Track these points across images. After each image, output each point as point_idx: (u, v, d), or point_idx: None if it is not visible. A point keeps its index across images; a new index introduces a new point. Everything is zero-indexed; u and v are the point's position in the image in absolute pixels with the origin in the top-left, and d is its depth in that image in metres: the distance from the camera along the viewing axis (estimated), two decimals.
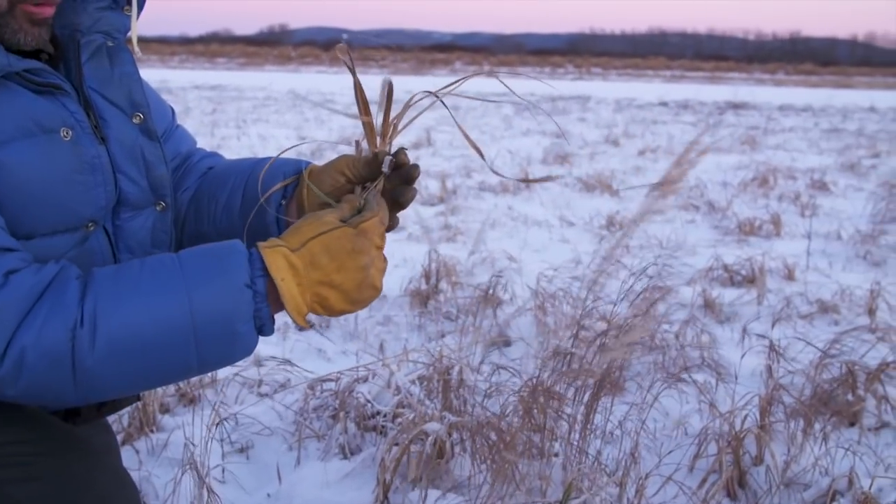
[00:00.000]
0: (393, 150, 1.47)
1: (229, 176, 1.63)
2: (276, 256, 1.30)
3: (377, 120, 1.45)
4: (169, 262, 1.30)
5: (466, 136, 1.47)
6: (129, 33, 1.51)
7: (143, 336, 1.23)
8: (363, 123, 1.45)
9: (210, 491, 2.35)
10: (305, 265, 1.31)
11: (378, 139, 1.45)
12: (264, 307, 1.30)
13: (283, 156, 1.58)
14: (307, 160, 1.61)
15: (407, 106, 1.44)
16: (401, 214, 1.49)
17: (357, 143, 1.48)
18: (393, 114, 1.45)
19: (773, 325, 4.18)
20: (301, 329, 1.29)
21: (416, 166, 1.45)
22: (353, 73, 1.42)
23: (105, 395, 1.30)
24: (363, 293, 1.37)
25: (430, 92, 1.45)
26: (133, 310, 1.23)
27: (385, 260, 1.42)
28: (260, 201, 1.54)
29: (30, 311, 1.21)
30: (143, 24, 1.54)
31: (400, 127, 1.45)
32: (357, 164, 1.47)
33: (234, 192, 1.61)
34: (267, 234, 1.54)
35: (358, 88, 1.44)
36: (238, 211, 1.60)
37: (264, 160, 1.61)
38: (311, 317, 4.19)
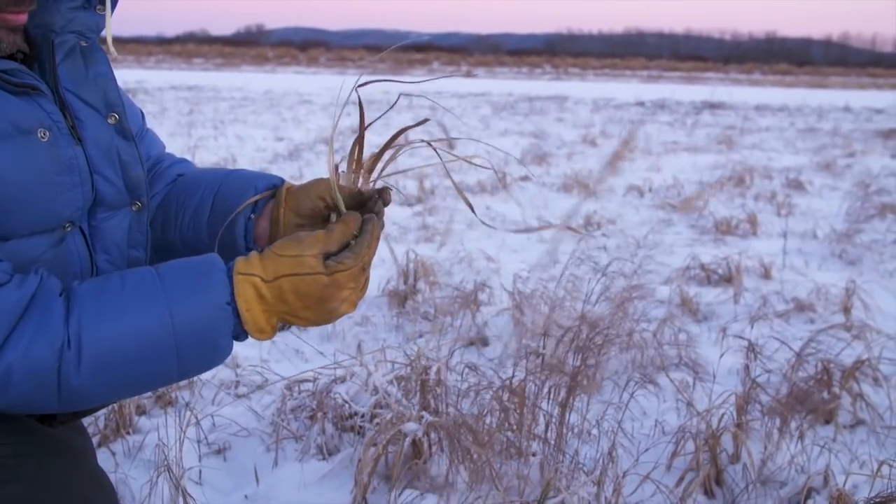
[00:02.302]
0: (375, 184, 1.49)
1: (199, 185, 1.63)
2: (247, 287, 1.32)
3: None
4: (150, 278, 1.31)
5: (459, 191, 1.48)
6: (102, 33, 1.50)
7: (128, 354, 1.26)
8: (351, 156, 1.47)
9: (185, 493, 2.34)
10: (274, 298, 1.34)
11: (358, 171, 1.47)
12: (241, 322, 1.34)
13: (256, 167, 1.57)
14: (280, 176, 1.61)
15: (388, 147, 1.47)
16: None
17: (336, 167, 1.48)
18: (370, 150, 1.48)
19: (752, 326, 4.20)
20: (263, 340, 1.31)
21: (387, 197, 1.48)
22: (362, 118, 1.46)
23: (88, 405, 1.33)
24: (331, 321, 1.40)
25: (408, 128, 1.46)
26: (117, 329, 1.26)
27: (363, 289, 1.43)
28: (231, 215, 1.54)
29: (15, 328, 1.22)
30: (119, 24, 1.53)
31: (382, 165, 1.47)
32: (339, 194, 1.47)
33: (204, 202, 1.60)
34: (235, 246, 1.56)
35: (361, 127, 1.48)
36: (206, 221, 1.60)
37: (236, 171, 1.61)
38: None
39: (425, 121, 1.47)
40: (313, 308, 1.36)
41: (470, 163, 1.46)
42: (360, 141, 1.46)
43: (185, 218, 1.62)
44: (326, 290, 1.35)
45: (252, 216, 1.57)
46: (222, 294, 1.31)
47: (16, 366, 1.21)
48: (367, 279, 1.43)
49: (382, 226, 1.45)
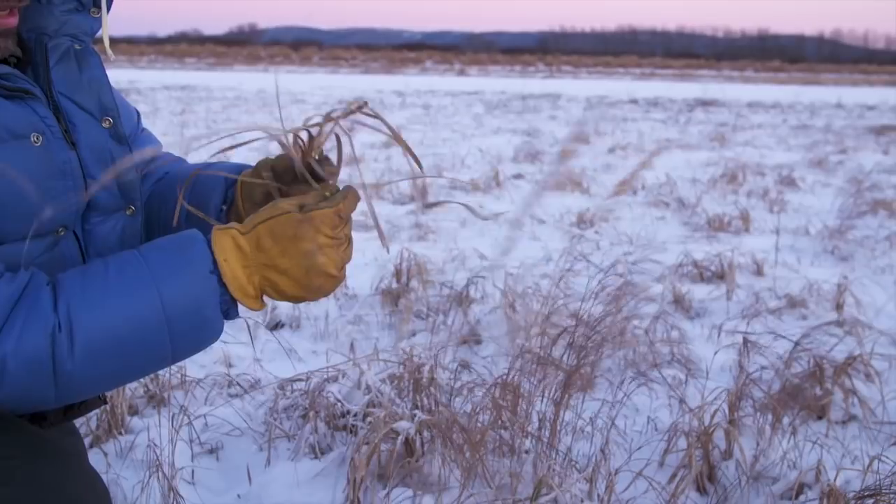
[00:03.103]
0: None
1: (182, 179, 1.63)
2: (224, 237, 1.32)
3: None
4: (133, 258, 1.31)
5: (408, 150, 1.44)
6: (97, 35, 1.49)
7: (119, 335, 1.26)
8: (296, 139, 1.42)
9: (176, 493, 2.33)
10: (252, 248, 1.33)
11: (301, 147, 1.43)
12: (228, 292, 1.33)
13: (229, 157, 1.57)
14: (244, 164, 1.60)
15: (327, 122, 1.42)
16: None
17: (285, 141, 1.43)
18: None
19: (748, 323, 4.20)
20: (253, 309, 1.31)
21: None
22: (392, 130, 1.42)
23: (84, 394, 1.32)
24: (313, 280, 1.36)
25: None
26: (106, 310, 1.25)
27: (346, 250, 1.40)
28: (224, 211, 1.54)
29: (6, 321, 1.22)
30: (111, 25, 1.52)
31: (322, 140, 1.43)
32: (277, 163, 1.48)
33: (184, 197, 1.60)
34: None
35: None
36: (185, 217, 1.59)
37: (211, 165, 1.61)
38: (282, 316, 4.17)
39: (364, 104, 1.42)
40: (290, 251, 1.33)
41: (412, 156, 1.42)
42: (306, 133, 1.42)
43: (165, 214, 1.62)
44: (300, 225, 1.33)
45: (223, 207, 1.57)
46: (204, 263, 1.30)
47: (10, 356, 1.21)
48: (348, 237, 1.40)
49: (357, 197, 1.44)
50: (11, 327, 1.21)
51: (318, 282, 1.37)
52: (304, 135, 1.42)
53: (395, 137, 1.40)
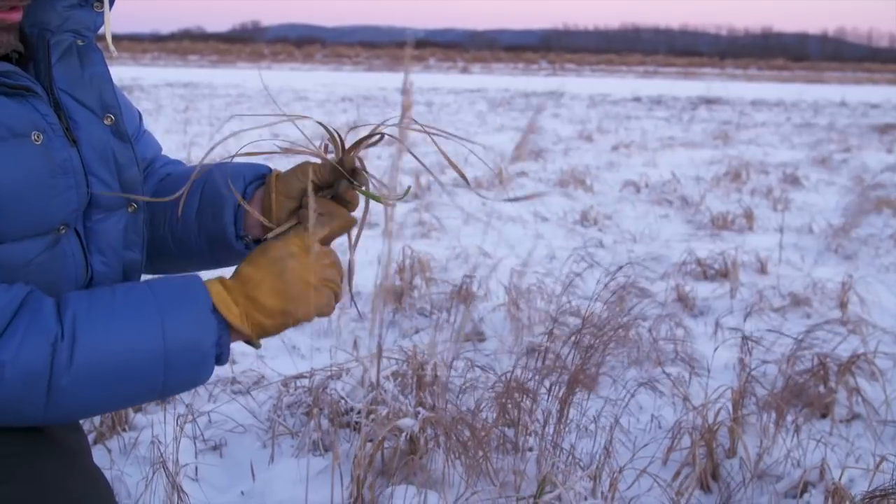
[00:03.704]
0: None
1: (185, 180, 1.62)
2: (214, 283, 1.39)
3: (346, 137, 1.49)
4: (139, 287, 1.34)
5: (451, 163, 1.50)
6: (99, 31, 1.48)
7: (118, 359, 1.27)
8: (331, 135, 1.48)
9: (180, 490, 2.33)
10: (235, 283, 1.40)
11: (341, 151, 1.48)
12: (225, 333, 1.37)
13: (243, 159, 1.57)
14: (266, 165, 1.61)
15: (370, 136, 1.47)
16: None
17: (326, 146, 1.50)
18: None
19: (745, 319, 4.20)
20: (253, 346, 1.38)
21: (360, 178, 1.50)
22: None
23: (69, 415, 1.33)
24: (290, 287, 1.40)
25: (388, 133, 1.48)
26: (109, 332, 1.27)
27: (327, 266, 1.44)
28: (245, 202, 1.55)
29: (6, 329, 1.22)
30: (114, 22, 1.51)
31: (364, 146, 1.48)
32: (324, 168, 1.50)
33: (192, 195, 1.59)
34: (224, 235, 1.56)
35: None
36: (195, 213, 1.60)
37: (222, 164, 1.61)
38: None
39: (411, 120, 1.48)
40: (258, 263, 1.39)
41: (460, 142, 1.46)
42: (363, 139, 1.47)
43: (172, 213, 1.61)
44: (274, 247, 1.40)
45: (240, 205, 1.57)
46: (206, 301, 1.34)
47: (8, 364, 1.20)
48: (333, 263, 1.45)
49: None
50: (12, 335, 1.22)
51: (296, 288, 1.40)
52: (344, 139, 1.47)
53: (443, 155, 1.54)
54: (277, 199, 1.53)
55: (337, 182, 1.48)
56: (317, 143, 1.50)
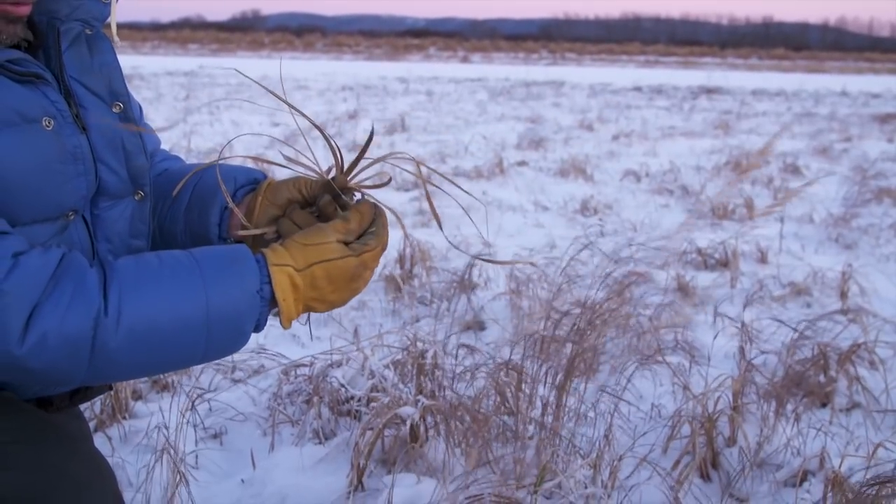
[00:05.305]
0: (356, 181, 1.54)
1: (181, 177, 1.63)
2: (283, 277, 1.37)
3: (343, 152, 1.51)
4: (186, 259, 1.34)
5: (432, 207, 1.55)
6: (107, 21, 1.49)
7: (162, 328, 1.28)
8: (334, 152, 1.51)
9: (183, 477, 2.34)
10: (306, 285, 1.39)
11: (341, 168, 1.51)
12: (266, 312, 1.38)
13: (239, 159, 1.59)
14: (261, 171, 1.64)
15: (364, 150, 1.49)
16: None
17: (330, 169, 1.53)
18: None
19: (744, 308, 4.20)
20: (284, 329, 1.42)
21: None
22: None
23: (112, 379, 1.37)
24: (347, 301, 1.47)
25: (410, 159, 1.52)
26: (155, 303, 1.28)
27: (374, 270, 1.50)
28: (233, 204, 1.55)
29: (50, 296, 1.22)
30: (116, 10, 1.52)
31: (363, 166, 1.51)
32: (313, 185, 1.54)
33: (183, 192, 1.62)
34: (206, 234, 1.59)
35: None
36: (184, 209, 1.62)
37: (217, 165, 1.62)
38: None
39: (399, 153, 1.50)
40: (342, 289, 1.42)
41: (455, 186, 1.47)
42: (362, 151, 1.49)
43: (164, 207, 1.64)
44: (356, 270, 1.42)
45: (227, 207, 1.58)
46: (254, 281, 1.34)
47: (51, 332, 1.21)
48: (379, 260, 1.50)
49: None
50: (57, 305, 1.22)
51: (352, 298, 1.47)
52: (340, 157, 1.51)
53: (427, 191, 1.56)
54: (262, 204, 1.56)
55: (320, 195, 1.50)
56: (314, 136, 1.52)
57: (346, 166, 1.50)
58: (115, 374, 1.32)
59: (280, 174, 1.66)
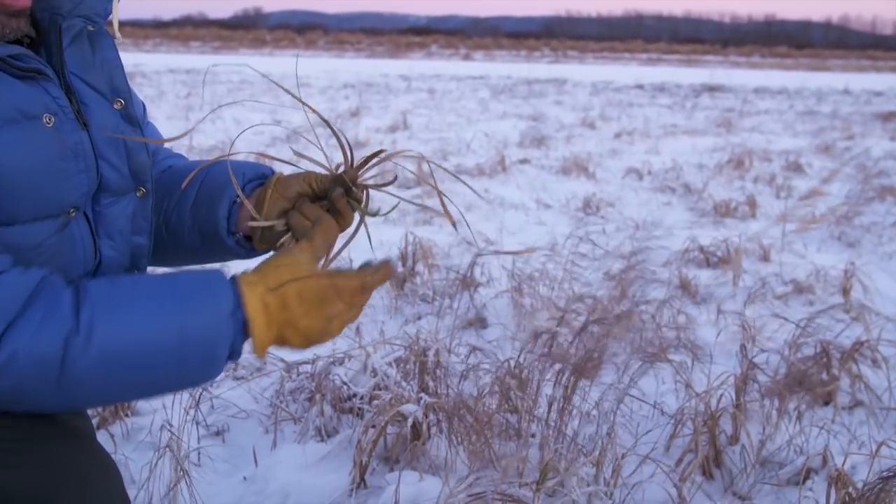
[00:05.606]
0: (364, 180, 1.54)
1: (186, 174, 1.63)
2: (254, 296, 1.34)
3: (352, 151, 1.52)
4: (160, 281, 1.32)
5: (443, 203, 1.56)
6: (110, 17, 1.49)
7: (133, 350, 1.26)
8: (343, 148, 1.52)
9: (187, 474, 2.34)
10: (277, 307, 1.35)
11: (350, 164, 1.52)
12: (241, 338, 1.34)
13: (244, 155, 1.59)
14: (270, 167, 1.64)
15: (378, 155, 1.50)
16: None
17: (338, 166, 1.54)
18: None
19: (745, 305, 4.19)
20: (258, 359, 1.43)
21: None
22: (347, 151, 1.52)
23: (81, 404, 1.35)
24: (321, 339, 1.42)
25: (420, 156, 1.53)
26: (127, 324, 1.26)
27: (358, 313, 1.46)
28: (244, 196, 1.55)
29: (22, 314, 1.21)
30: (118, 7, 1.52)
31: (372, 163, 1.51)
32: (324, 179, 1.54)
33: (190, 189, 1.61)
34: (216, 229, 1.58)
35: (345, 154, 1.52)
36: (191, 205, 1.62)
37: (222, 162, 1.62)
38: None
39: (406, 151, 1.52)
40: (313, 314, 1.37)
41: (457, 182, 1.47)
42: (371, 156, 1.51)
43: (170, 204, 1.64)
44: (327, 291, 1.38)
45: (236, 201, 1.58)
46: (227, 304, 1.31)
47: (21, 351, 1.20)
48: (364, 303, 1.46)
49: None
50: (28, 323, 1.21)
51: (323, 341, 1.42)
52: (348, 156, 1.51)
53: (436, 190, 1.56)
54: (272, 197, 1.55)
55: (332, 188, 1.51)
56: (320, 133, 1.53)
57: (355, 162, 1.50)
58: (85, 396, 1.29)
59: (287, 172, 1.65)
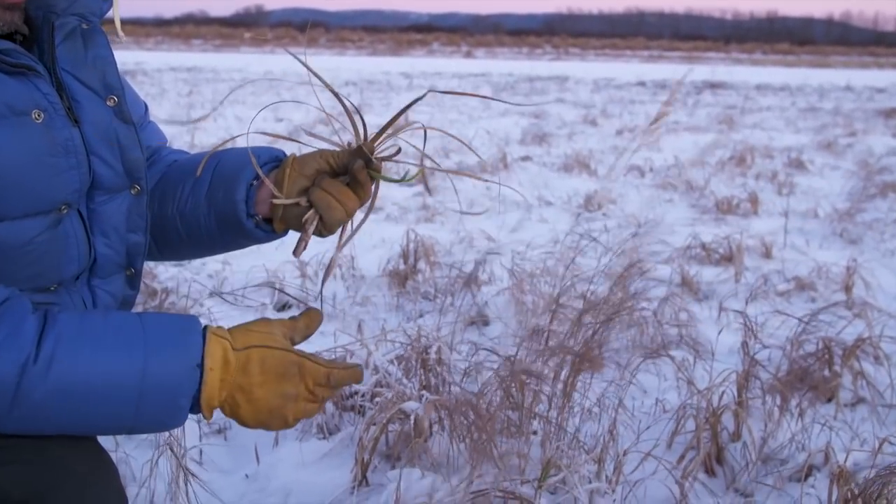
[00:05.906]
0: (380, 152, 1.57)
1: (193, 165, 1.63)
2: (217, 347, 1.32)
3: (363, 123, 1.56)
4: (132, 321, 1.31)
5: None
6: (105, 16, 1.48)
7: (91, 387, 1.24)
8: (353, 123, 1.55)
9: (187, 472, 2.33)
10: (237, 367, 1.34)
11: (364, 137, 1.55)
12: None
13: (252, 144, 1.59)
14: (282, 150, 1.64)
15: (392, 125, 1.57)
16: (379, 197, 1.54)
17: (350, 144, 1.57)
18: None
19: (747, 302, 4.19)
20: (204, 419, 1.42)
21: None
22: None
23: (37, 431, 1.30)
24: (271, 420, 1.38)
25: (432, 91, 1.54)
26: (89, 360, 1.24)
27: (313, 408, 1.42)
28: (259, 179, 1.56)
29: None
30: (119, 6, 1.52)
31: (388, 133, 1.56)
32: (342, 155, 1.56)
33: (203, 175, 1.61)
34: (235, 212, 1.57)
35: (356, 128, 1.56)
36: (205, 193, 1.61)
37: (234, 148, 1.63)
38: (290, 298, 4.17)
39: (423, 95, 1.52)
40: (270, 385, 1.35)
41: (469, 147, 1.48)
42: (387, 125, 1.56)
43: (183, 192, 1.63)
44: (291, 368, 1.36)
45: (254, 183, 1.58)
46: (196, 355, 1.30)
47: None
48: (324, 399, 1.43)
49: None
50: None
51: (274, 423, 1.39)
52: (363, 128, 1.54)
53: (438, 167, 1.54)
54: (291, 175, 1.55)
55: (351, 162, 1.53)
56: (335, 123, 1.55)
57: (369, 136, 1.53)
58: (40, 425, 1.27)
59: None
